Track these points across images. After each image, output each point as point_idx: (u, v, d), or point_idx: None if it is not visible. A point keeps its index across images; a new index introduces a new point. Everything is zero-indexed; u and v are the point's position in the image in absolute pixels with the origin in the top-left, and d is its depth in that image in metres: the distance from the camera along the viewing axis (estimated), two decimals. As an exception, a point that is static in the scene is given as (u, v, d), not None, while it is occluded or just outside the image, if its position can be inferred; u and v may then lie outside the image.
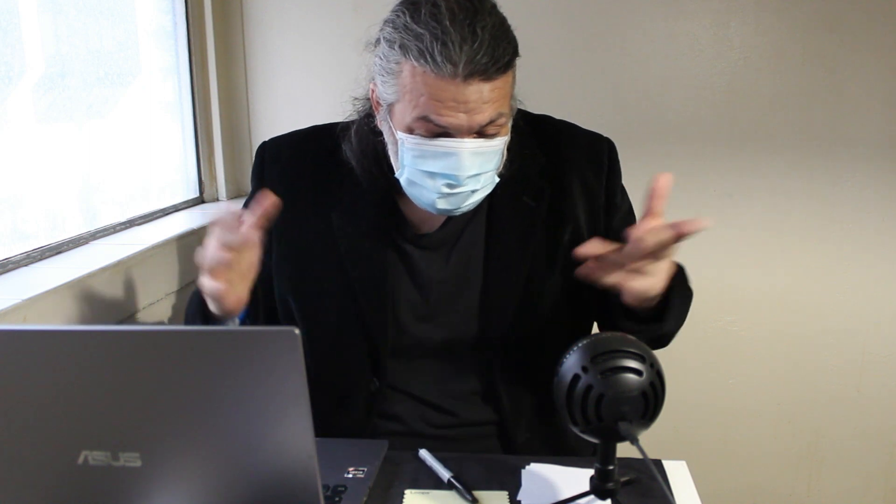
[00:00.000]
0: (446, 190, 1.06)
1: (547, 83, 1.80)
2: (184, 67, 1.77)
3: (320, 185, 1.20)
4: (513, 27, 1.08)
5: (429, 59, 0.98)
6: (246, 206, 1.27)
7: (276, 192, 1.21)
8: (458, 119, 1.01)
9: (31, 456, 0.69)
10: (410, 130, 1.05)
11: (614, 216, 1.24)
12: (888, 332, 1.87)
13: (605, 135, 1.26)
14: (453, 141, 1.03)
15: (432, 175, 1.06)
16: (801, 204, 1.82)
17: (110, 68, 1.52)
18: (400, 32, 1.02)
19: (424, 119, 1.02)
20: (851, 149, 1.78)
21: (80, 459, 0.68)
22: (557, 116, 1.28)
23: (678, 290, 1.12)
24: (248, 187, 1.27)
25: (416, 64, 1.00)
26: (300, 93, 1.87)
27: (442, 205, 1.08)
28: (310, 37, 1.84)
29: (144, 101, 1.64)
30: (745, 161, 1.81)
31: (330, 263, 1.19)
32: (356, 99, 1.19)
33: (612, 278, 1.01)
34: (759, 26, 1.75)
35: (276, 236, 1.22)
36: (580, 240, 1.20)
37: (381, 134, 1.14)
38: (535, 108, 1.27)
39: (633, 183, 1.81)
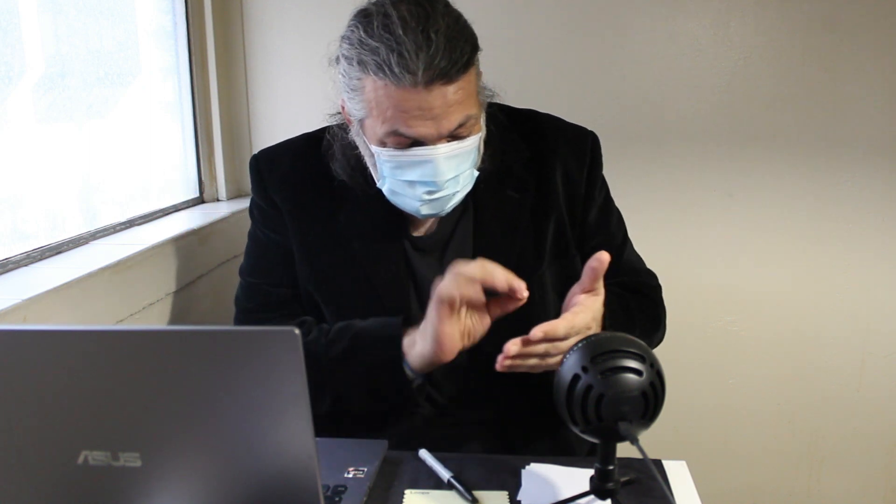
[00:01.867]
0: (427, 196, 1.07)
1: (546, 82, 1.80)
2: (184, 67, 1.77)
3: (322, 189, 1.20)
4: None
5: (388, 72, 0.98)
6: (252, 217, 1.27)
7: (282, 194, 1.22)
8: (427, 127, 1.01)
9: (31, 456, 0.69)
10: (383, 144, 1.05)
11: (591, 209, 1.24)
12: (888, 332, 1.87)
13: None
14: (427, 149, 1.03)
15: (411, 184, 1.06)
16: (801, 204, 1.82)
17: (110, 68, 1.52)
18: (356, 48, 1.02)
19: (394, 133, 1.02)
20: (851, 149, 1.78)
21: (80, 459, 0.68)
22: (557, 116, 1.28)
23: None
24: (248, 187, 1.27)
25: (376, 78, 1.00)
26: (300, 93, 1.87)
27: (426, 210, 1.09)
28: (310, 37, 1.84)
29: (144, 101, 1.64)
30: (745, 161, 1.81)
31: (345, 262, 1.19)
32: (331, 115, 1.19)
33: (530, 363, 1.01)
34: (759, 26, 1.75)
35: (291, 235, 1.22)
36: (563, 230, 1.21)
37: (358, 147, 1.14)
38: (534, 106, 1.28)
39: (633, 183, 1.82)
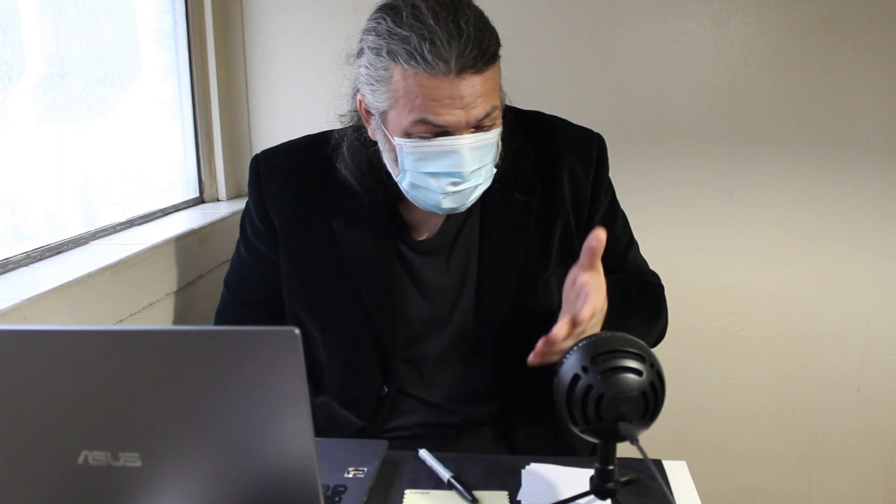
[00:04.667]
0: (451, 188, 1.06)
1: (547, 83, 1.80)
2: (184, 67, 1.77)
3: (320, 194, 1.20)
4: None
5: (419, 60, 0.99)
6: (242, 226, 1.27)
7: (278, 205, 1.22)
8: (456, 116, 1.02)
9: (31, 456, 0.69)
10: (408, 135, 1.05)
11: (597, 213, 1.24)
12: (888, 332, 1.87)
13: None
14: (452, 139, 1.03)
15: (436, 175, 1.06)
16: (802, 204, 1.82)
17: (110, 68, 1.52)
18: (384, 39, 1.02)
19: (422, 121, 1.02)
20: (851, 149, 1.78)
21: (80, 459, 0.68)
22: (562, 118, 1.28)
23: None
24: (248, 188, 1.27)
25: (406, 67, 1.00)
26: (300, 93, 1.87)
27: (447, 203, 1.09)
28: (310, 37, 1.84)
29: (144, 101, 1.64)
30: (745, 161, 1.81)
31: (337, 273, 1.19)
32: (342, 115, 1.19)
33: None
34: (759, 26, 1.75)
35: (281, 250, 1.22)
36: (570, 233, 1.21)
37: (372, 145, 1.13)
38: (535, 106, 1.28)
39: (633, 182, 1.82)
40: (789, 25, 1.74)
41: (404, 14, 1.01)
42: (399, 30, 1.00)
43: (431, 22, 0.99)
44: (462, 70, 0.99)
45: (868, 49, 1.73)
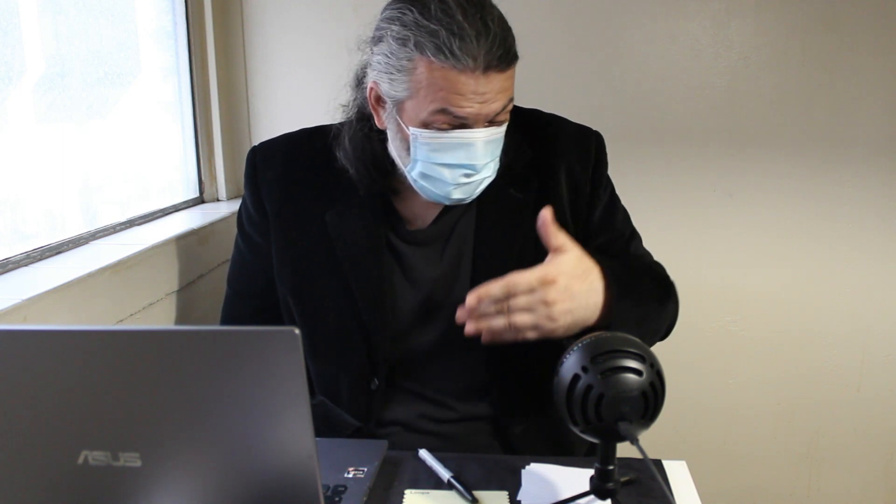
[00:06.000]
0: (463, 180, 1.08)
1: (546, 83, 1.80)
2: (184, 67, 1.77)
3: (315, 186, 1.21)
4: (513, 26, 1.09)
5: (448, 55, 0.99)
6: (239, 221, 1.27)
7: (273, 195, 1.22)
8: (476, 110, 1.03)
9: (31, 456, 0.69)
10: (425, 125, 1.05)
11: (596, 208, 1.24)
12: (888, 332, 1.87)
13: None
14: (469, 132, 1.05)
15: (449, 167, 1.07)
16: (802, 204, 1.83)
17: (110, 68, 1.52)
18: (411, 30, 1.02)
19: (443, 112, 1.03)
20: (851, 149, 1.78)
21: (80, 459, 0.68)
22: (561, 116, 1.28)
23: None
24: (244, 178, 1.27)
25: (433, 60, 1.01)
26: (300, 93, 1.87)
27: (457, 194, 1.10)
28: (310, 37, 1.84)
29: (144, 101, 1.64)
30: (745, 161, 1.81)
31: (327, 265, 1.19)
32: (343, 105, 1.19)
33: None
34: (759, 26, 1.75)
35: (273, 239, 1.22)
36: (566, 230, 1.21)
37: (376, 134, 1.14)
38: (535, 105, 1.28)
39: (633, 182, 1.82)
40: (789, 25, 1.74)
41: (432, 7, 1.01)
42: (427, 22, 1.01)
43: (460, 18, 1.00)
44: (488, 68, 1.01)
45: (868, 49, 1.73)
